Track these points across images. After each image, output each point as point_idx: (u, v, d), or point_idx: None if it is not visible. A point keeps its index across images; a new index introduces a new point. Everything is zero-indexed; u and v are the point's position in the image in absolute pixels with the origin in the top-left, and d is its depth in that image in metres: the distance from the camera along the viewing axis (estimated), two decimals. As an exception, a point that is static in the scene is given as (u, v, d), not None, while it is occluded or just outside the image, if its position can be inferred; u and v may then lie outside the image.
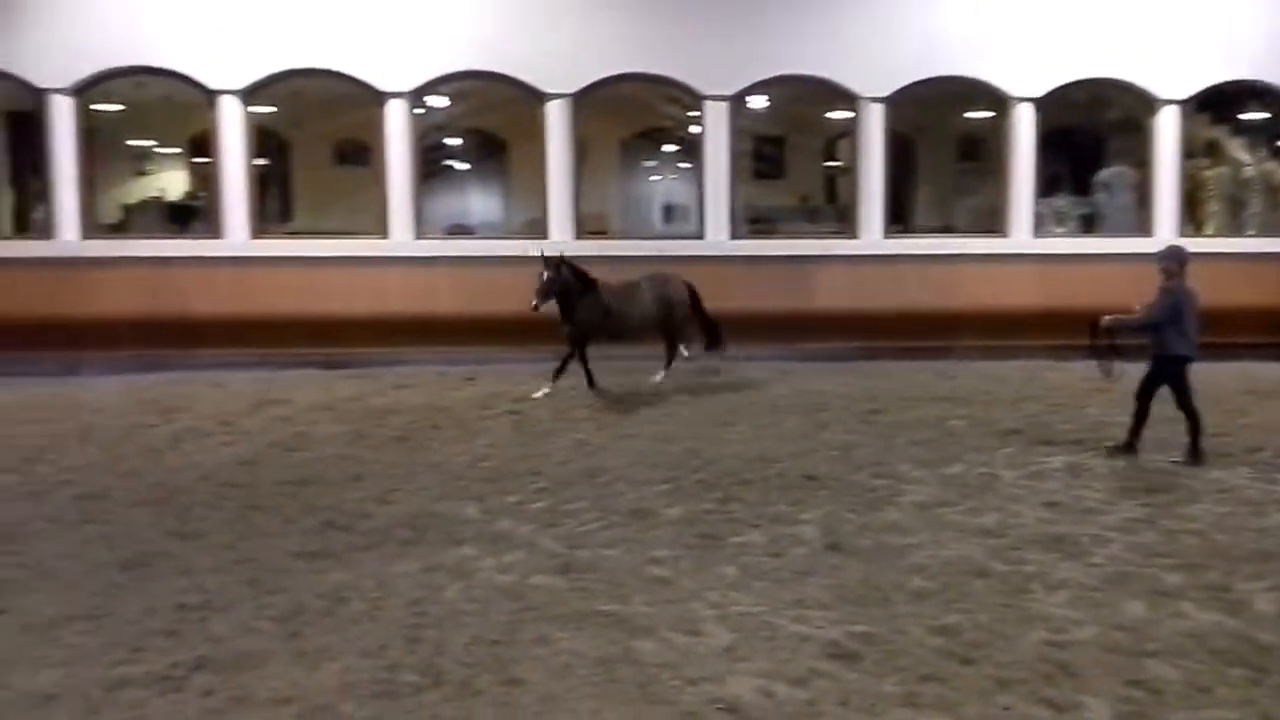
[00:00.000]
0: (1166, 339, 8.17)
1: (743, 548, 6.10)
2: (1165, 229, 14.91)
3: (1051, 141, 15.59)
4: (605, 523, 6.61)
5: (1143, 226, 15.12)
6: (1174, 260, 8.22)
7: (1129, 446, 8.46)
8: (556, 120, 14.13)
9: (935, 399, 11.41)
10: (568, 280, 11.30)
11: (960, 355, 14.37)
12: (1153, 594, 5.24)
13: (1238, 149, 16.57)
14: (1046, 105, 14.93)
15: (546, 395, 11.29)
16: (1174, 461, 8.14)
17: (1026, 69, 14.83)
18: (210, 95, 13.56)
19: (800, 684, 4.25)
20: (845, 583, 5.47)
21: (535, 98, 14.08)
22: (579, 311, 11.44)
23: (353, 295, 13.79)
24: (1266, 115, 16.41)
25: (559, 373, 11.58)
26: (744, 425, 9.84)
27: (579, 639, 4.76)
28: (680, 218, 18.51)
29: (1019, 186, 14.97)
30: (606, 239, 15.58)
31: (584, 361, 11.71)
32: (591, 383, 11.64)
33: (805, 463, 8.23)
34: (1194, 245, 14.51)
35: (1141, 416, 8.43)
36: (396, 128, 13.85)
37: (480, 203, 20.49)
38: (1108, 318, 8.56)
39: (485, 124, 18.70)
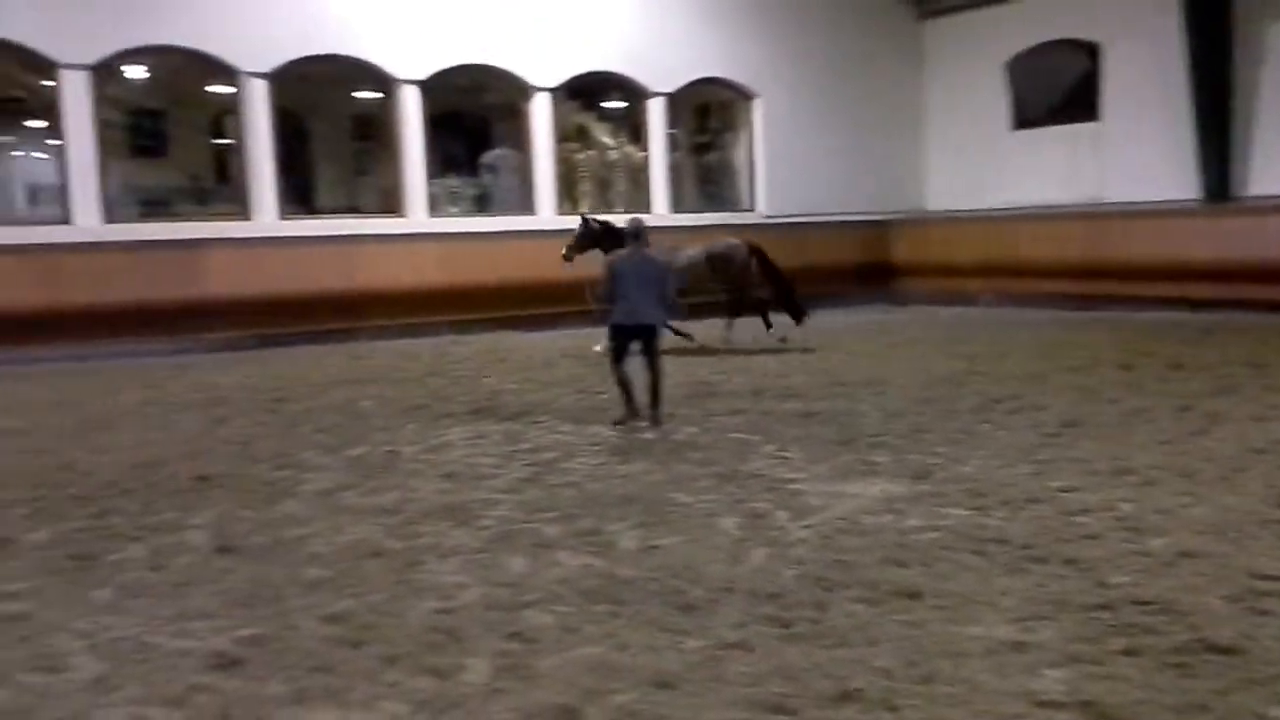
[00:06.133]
0: (614, 309, 8.47)
1: (119, 565, 5.53)
2: (546, 208, 16.16)
3: (441, 123, 16.18)
4: (-55, 561, 5.63)
5: (526, 205, 16.26)
6: (627, 234, 8.71)
7: (629, 415, 8.55)
8: None
9: (343, 382, 11.36)
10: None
11: (370, 335, 14.45)
12: (533, 547, 5.60)
13: (603, 134, 18.44)
14: (431, 88, 15.41)
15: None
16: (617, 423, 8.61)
17: (408, 51, 15.18)
18: None
19: (177, 704, 3.92)
20: (234, 585, 5.17)
21: None
22: None
23: None
24: (625, 104, 18.44)
25: None
26: (129, 429, 9.00)
27: (-100, 706, 3.97)
28: (49, 199, 16.44)
29: (412, 167, 15.32)
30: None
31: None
32: None
33: (199, 463, 7.72)
34: (571, 222, 16.08)
35: (624, 385, 8.55)
36: None
37: None
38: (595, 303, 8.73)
39: None
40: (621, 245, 12.28)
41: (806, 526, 5.82)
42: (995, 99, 19.35)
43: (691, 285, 13.10)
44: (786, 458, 7.47)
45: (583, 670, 4.07)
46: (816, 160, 19.03)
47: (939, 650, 4.12)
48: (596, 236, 12.63)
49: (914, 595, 4.72)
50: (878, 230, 20.04)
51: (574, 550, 5.57)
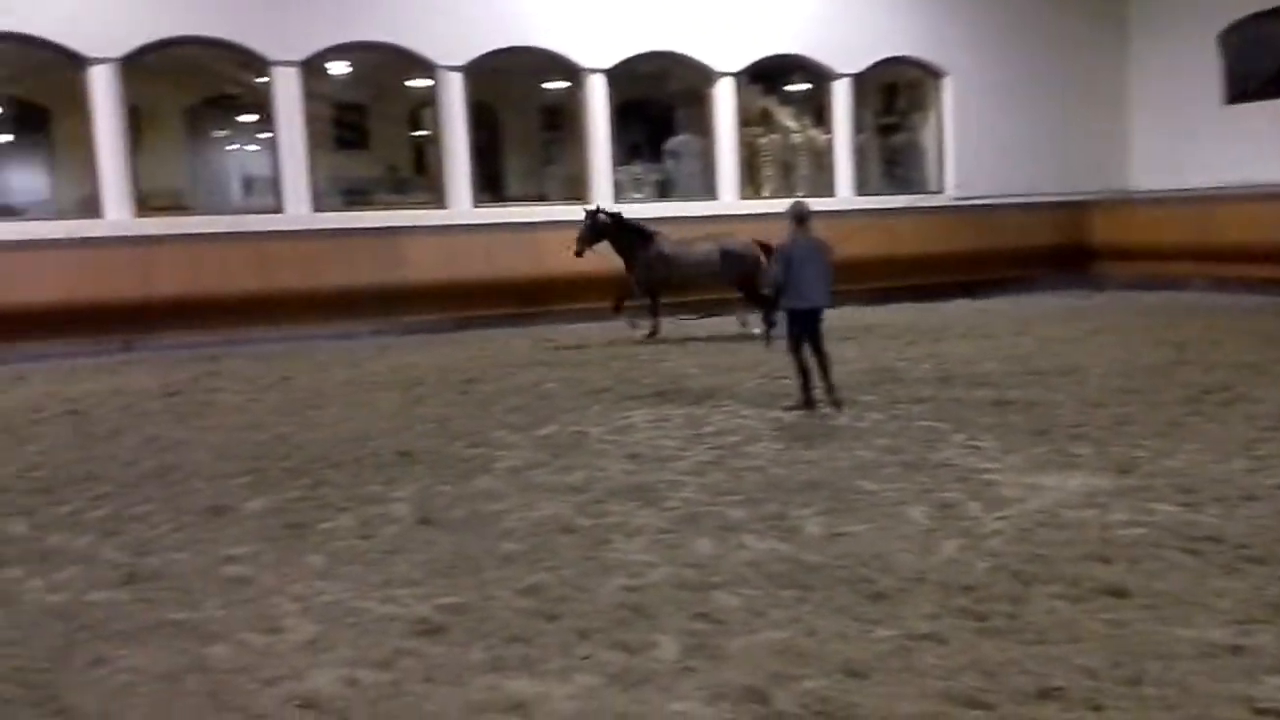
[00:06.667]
0: (787, 293, 8.38)
1: (331, 533, 5.87)
2: (728, 192, 16.15)
3: (626, 111, 16.40)
4: (177, 525, 6.11)
5: (709, 190, 16.29)
6: (789, 217, 8.53)
7: (806, 402, 8.57)
8: (103, 87, 12.81)
9: (531, 364, 11.68)
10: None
11: (555, 319, 14.79)
12: (719, 530, 5.64)
13: (786, 117, 18.27)
14: (616, 77, 15.61)
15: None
16: (788, 408, 8.59)
17: (595, 41, 15.41)
18: None
19: (385, 666, 4.14)
20: (436, 556, 5.41)
21: (76, 62, 12.67)
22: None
23: None
24: (808, 86, 18.21)
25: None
26: (336, 406, 9.52)
27: (142, 654, 4.34)
28: (261, 190, 17.54)
29: (597, 155, 15.56)
30: (177, 214, 14.46)
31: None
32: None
33: (399, 439, 8.10)
34: (753, 206, 16.01)
35: (803, 371, 8.54)
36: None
37: (24, 180, 18.19)
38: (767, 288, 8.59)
39: (22, 91, 16.61)
40: (630, 237, 12.62)
41: (1001, 518, 5.64)
42: (1207, 72, 18.16)
43: (702, 282, 13.07)
44: (978, 447, 7.25)
45: (771, 653, 4.08)
46: (1009, 139, 18.30)
47: (1147, 651, 3.93)
48: (604, 229, 12.79)
49: (1119, 593, 4.51)
50: (1074, 211, 19.11)
51: (760, 534, 5.58)
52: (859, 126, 18.32)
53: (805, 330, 8.42)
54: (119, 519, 6.23)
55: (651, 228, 12.90)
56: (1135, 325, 13.49)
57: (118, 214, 13.03)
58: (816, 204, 16.83)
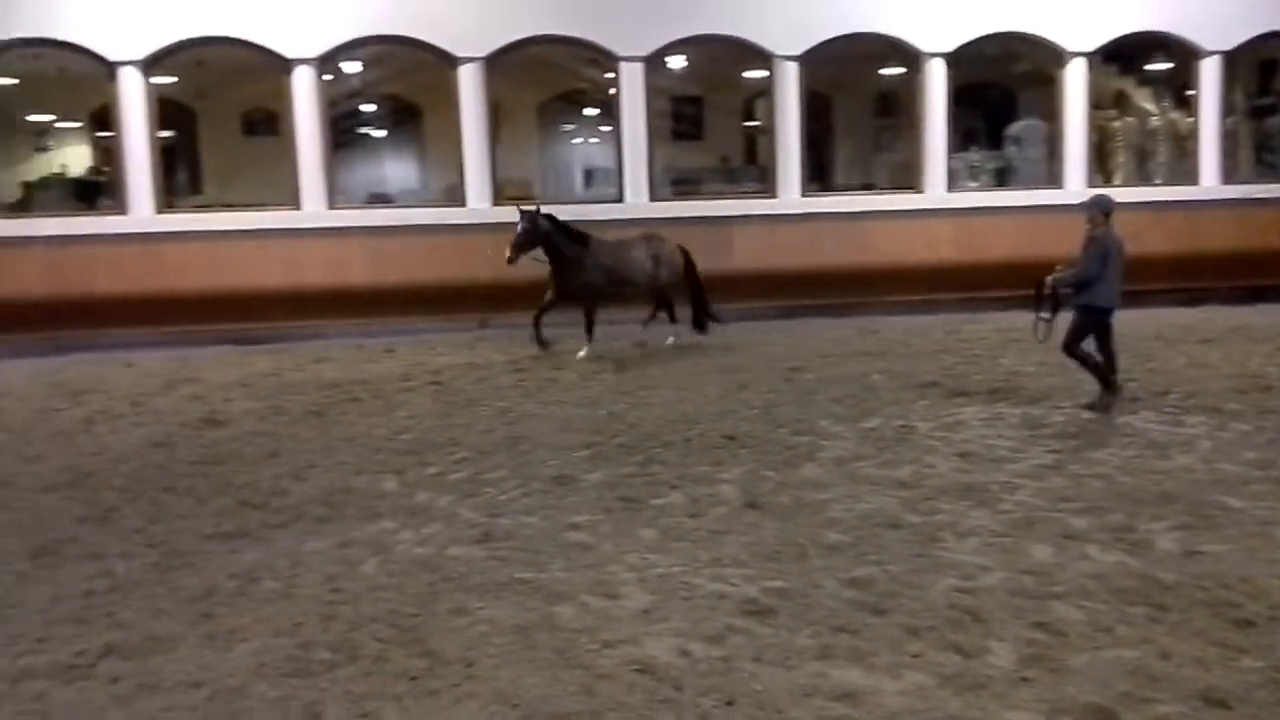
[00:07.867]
0: (1094, 289, 8.09)
1: (662, 509, 6.13)
2: (1075, 180, 15.20)
3: (963, 96, 15.78)
4: (526, 490, 6.59)
5: (1053, 178, 15.40)
6: (1098, 210, 8.17)
7: (1108, 391, 8.34)
8: (469, 84, 13.92)
9: (855, 354, 11.56)
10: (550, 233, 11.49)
11: (881, 310, 14.53)
12: (1059, 537, 5.37)
13: (1144, 99, 16.90)
14: (957, 60, 15.07)
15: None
16: (1087, 406, 8.24)
17: (936, 24, 14.94)
18: (109, 67, 13.12)
19: (716, 642, 4.29)
20: (762, 540, 5.52)
21: (447, 61, 13.85)
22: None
23: (265, 268, 13.52)
24: (1170, 65, 16.75)
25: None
26: (666, 388, 9.86)
27: (497, 608, 4.74)
28: (601, 181, 18.39)
29: (933, 142, 15.12)
30: (528, 204, 15.46)
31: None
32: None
33: (726, 423, 8.30)
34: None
35: (1093, 364, 8.30)
36: (304, 95, 13.54)
37: (397, 170, 20.15)
38: (1050, 277, 8.38)
39: (399, 90, 18.37)
40: (567, 242, 11.52)
41: (1396, 550, 5.01)
42: None
43: (636, 289, 12.10)
44: (1367, 468, 6.46)
45: (1119, 673, 3.86)
46: None
47: None
48: (543, 234, 11.42)
49: None
50: None
51: (1104, 545, 5.27)
52: (1228, 109, 16.62)
53: (1100, 329, 8.22)
54: (476, 482, 6.82)
55: (585, 231, 12.05)
56: None
57: (478, 203, 14.12)
58: (1177, 193, 15.60)
